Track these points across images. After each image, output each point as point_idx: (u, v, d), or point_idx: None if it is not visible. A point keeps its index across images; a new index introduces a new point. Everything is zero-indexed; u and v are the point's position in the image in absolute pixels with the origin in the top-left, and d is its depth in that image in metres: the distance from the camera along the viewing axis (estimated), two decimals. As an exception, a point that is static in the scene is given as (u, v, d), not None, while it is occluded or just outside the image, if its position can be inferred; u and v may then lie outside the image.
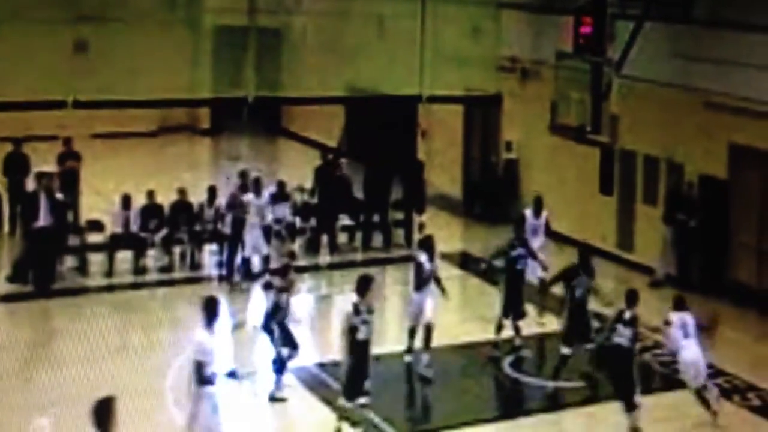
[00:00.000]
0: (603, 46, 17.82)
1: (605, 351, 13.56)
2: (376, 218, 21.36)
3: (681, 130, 19.00)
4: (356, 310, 12.42)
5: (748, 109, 17.41)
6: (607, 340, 13.30)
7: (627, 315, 13.11)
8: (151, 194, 19.61)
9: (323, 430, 13.02)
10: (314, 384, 14.49)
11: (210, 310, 11.15)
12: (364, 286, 12.56)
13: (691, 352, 13.32)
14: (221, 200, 19.44)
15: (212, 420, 11.18)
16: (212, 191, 19.75)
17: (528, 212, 18.04)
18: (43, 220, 17.97)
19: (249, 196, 18.79)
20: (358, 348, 12.38)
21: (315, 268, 19.94)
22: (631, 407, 12.96)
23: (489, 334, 15.94)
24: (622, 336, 13.03)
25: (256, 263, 18.62)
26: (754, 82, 17.13)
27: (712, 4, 18.29)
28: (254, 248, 18.51)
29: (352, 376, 12.42)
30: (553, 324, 16.36)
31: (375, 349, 12.97)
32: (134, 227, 19.19)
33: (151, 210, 19.48)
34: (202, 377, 11.07)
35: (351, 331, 12.35)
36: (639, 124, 19.54)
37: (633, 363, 13.18)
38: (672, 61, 18.63)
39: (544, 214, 18.03)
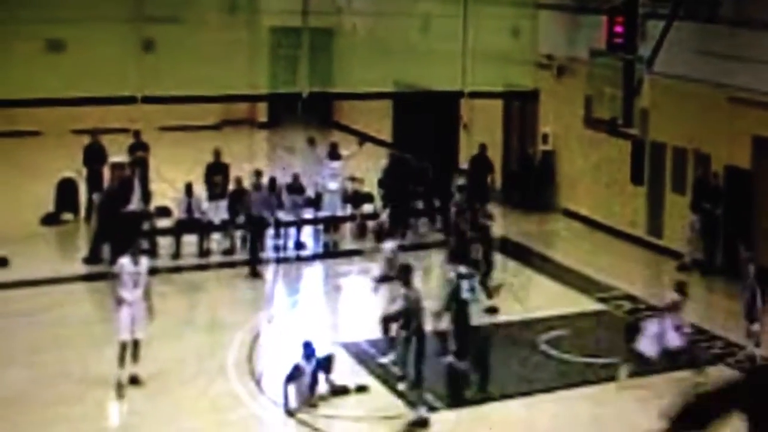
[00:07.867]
0: (635, 44, 17.74)
1: None
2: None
3: (708, 123, 18.84)
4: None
5: (771, 103, 17.24)
6: None
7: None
8: (216, 183, 19.79)
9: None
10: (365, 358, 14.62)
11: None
12: None
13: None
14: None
15: None
16: (273, 181, 19.91)
17: None
18: (135, 204, 18.21)
19: None
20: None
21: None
22: None
23: (526, 314, 15.98)
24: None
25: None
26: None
27: (737, 4, 18.09)
28: None
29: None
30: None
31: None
32: (197, 213, 19.40)
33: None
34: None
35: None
36: (668, 117, 19.38)
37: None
38: (699, 58, 18.46)
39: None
